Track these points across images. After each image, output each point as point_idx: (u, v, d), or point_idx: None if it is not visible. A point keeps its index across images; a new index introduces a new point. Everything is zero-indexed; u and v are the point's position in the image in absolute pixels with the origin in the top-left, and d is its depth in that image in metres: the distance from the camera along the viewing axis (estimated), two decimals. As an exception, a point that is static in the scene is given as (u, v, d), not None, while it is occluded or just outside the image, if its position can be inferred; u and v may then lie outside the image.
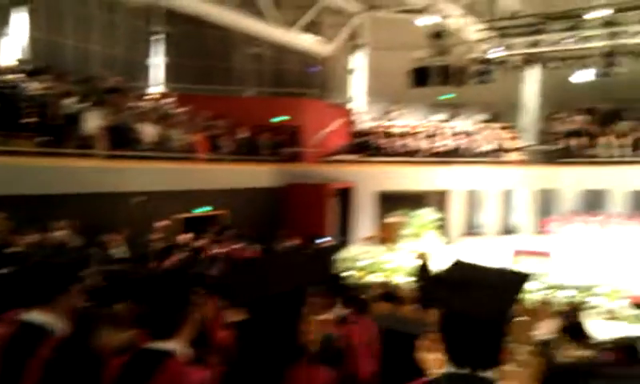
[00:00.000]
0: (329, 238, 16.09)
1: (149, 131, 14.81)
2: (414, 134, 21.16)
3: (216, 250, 13.89)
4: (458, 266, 2.16)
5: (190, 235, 14.06)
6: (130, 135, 14.27)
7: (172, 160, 15.15)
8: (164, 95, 18.07)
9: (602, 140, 20.28)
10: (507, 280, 2.07)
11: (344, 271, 14.94)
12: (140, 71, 20.18)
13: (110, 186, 12.60)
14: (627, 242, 17.78)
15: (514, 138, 22.77)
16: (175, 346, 2.31)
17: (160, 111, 16.39)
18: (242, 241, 14.62)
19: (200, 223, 15.26)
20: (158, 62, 20.55)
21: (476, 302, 1.87)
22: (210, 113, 17.87)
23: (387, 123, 21.95)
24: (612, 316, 12.63)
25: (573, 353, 4.78)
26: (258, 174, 17.74)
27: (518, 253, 15.04)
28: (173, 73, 20.86)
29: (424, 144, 20.68)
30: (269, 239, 14.87)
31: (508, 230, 21.10)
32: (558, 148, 21.29)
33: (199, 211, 15.73)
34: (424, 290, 10.96)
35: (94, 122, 12.79)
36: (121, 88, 16.17)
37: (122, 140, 13.51)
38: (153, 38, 20.34)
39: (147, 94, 17.82)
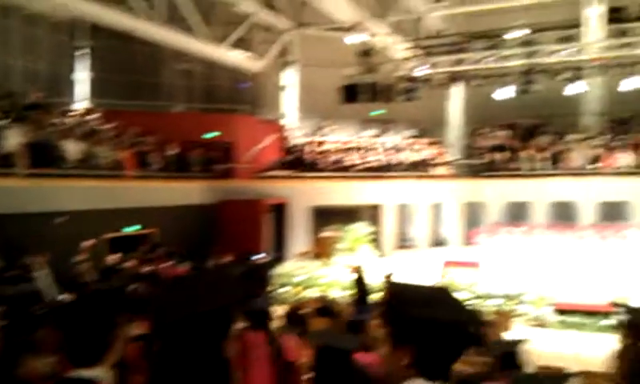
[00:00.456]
0: (263, 255, 15.98)
1: (73, 148, 14.30)
2: (346, 149, 21.39)
3: (145, 269, 13.58)
4: (401, 286, 2.17)
5: (118, 255, 13.67)
6: (53, 153, 13.74)
7: (98, 178, 14.69)
8: (89, 111, 17.48)
9: (523, 154, 21.15)
10: (445, 293, 2.11)
11: (280, 287, 14.92)
12: (64, 86, 19.51)
13: (32, 206, 12.08)
14: (550, 251, 18.57)
15: (440, 153, 23.46)
16: (99, 372, 2.21)
17: (85, 127, 15.87)
18: (172, 259, 14.35)
19: (129, 242, 14.86)
20: (83, 77, 19.92)
21: (449, 311, 1.88)
22: (137, 129, 17.43)
23: (319, 139, 22.11)
24: (539, 323, 13.10)
25: (471, 360, 4.90)
26: (188, 191, 17.44)
27: (448, 264, 15.39)
28: (99, 88, 20.27)
29: (356, 159, 20.95)
30: (201, 257, 14.62)
31: (438, 242, 21.64)
32: (482, 162, 22.08)
33: (128, 230, 15.30)
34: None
35: (14, 139, 12.26)
36: (43, 104, 15.54)
37: (44, 158, 13.00)
38: (78, 52, 19.73)
39: (72, 110, 17.17)
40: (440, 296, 2.01)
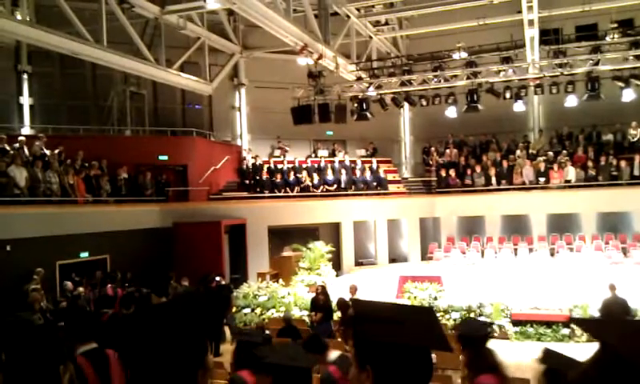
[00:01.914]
0: (220, 277, 15.69)
1: (19, 174, 13.75)
2: (302, 169, 21.38)
3: (98, 295, 13.14)
4: (365, 304, 2.09)
5: (70, 283, 13.22)
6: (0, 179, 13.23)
7: (46, 204, 14.23)
8: (36, 136, 16.85)
9: (475, 170, 21.68)
10: (421, 313, 2.02)
11: (242, 309, 14.64)
12: (9, 112, 18.83)
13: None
14: (504, 262, 19.04)
15: (395, 171, 23.82)
16: None
17: (32, 153, 15.28)
18: (126, 285, 13.94)
19: (80, 269, 14.40)
20: (30, 102, 19.31)
21: (412, 332, 1.77)
22: (86, 153, 16.89)
23: (275, 159, 22.04)
24: (499, 335, 13.24)
25: None
26: (142, 215, 17.05)
27: (405, 279, 15.44)
28: (46, 113, 19.65)
29: (312, 178, 20.96)
30: (157, 282, 14.24)
31: (397, 258, 21.86)
32: (434, 179, 22.51)
33: (79, 257, 14.81)
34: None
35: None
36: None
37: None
38: (24, 77, 19.13)
39: (18, 136, 16.50)
40: (410, 315, 1.89)
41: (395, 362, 1.71)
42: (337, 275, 18.37)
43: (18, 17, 13.33)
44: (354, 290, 12.17)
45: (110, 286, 13.37)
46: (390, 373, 1.71)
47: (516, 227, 21.07)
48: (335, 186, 20.97)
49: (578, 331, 12.40)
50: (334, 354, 5.01)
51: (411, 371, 1.72)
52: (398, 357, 1.71)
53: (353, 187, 21.28)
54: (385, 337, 1.75)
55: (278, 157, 22.20)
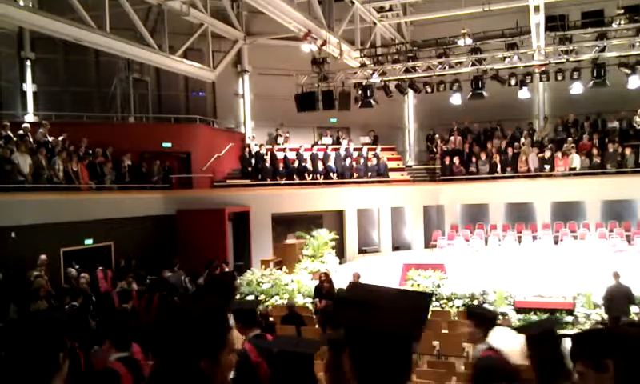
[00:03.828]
0: (224, 264, 15.71)
1: (23, 162, 13.76)
2: (303, 158, 21.33)
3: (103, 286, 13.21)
4: (359, 287, 2.07)
5: (74, 270, 13.24)
6: (4, 166, 13.22)
7: (50, 191, 14.21)
8: (40, 123, 16.84)
9: (479, 157, 21.61)
10: (412, 298, 1.97)
11: (246, 295, 14.67)
12: (13, 99, 18.81)
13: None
14: (508, 250, 19.04)
15: (398, 159, 23.77)
16: None
17: (35, 140, 15.28)
18: (130, 273, 13.98)
19: (84, 256, 14.44)
20: (33, 89, 19.30)
21: (387, 318, 1.76)
22: (90, 141, 16.87)
23: (278, 146, 22.01)
24: (502, 322, 13.22)
25: None
26: (145, 202, 17.05)
27: (409, 267, 15.46)
28: (50, 100, 19.64)
29: (315, 166, 20.92)
30: (160, 269, 14.30)
31: (400, 246, 21.88)
32: (438, 166, 22.45)
33: (83, 244, 14.85)
34: (330, 311, 10.96)
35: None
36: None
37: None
38: (27, 64, 19.11)
39: (22, 123, 16.50)
40: (388, 300, 1.85)
41: (369, 348, 1.71)
42: (340, 263, 18.43)
43: (21, 3, 13.28)
44: (357, 277, 12.19)
45: (100, 269, 13.56)
46: (366, 358, 1.71)
47: (520, 215, 21.04)
48: (340, 173, 20.92)
49: (582, 319, 12.42)
50: (252, 333, 4.94)
51: (387, 358, 1.71)
52: (372, 342, 1.71)
53: (357, 174, 21.24)
54: (356, 322, 1.75)
55: (282, 144, 22.17)
